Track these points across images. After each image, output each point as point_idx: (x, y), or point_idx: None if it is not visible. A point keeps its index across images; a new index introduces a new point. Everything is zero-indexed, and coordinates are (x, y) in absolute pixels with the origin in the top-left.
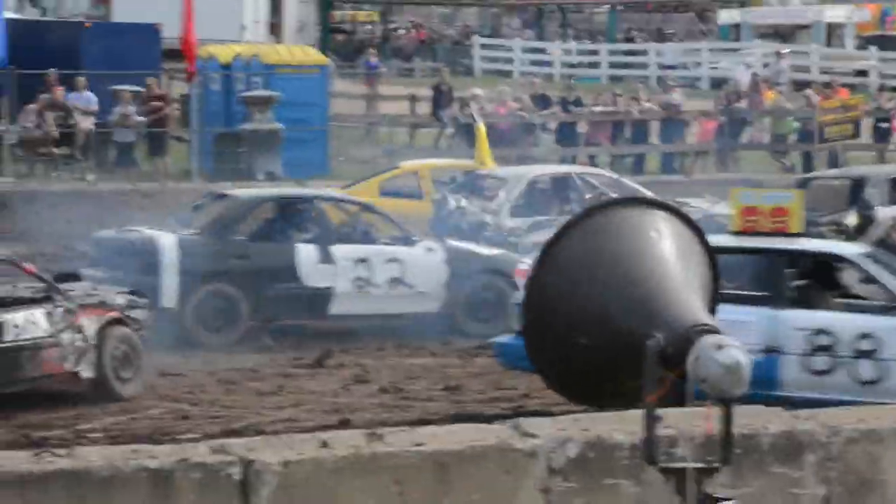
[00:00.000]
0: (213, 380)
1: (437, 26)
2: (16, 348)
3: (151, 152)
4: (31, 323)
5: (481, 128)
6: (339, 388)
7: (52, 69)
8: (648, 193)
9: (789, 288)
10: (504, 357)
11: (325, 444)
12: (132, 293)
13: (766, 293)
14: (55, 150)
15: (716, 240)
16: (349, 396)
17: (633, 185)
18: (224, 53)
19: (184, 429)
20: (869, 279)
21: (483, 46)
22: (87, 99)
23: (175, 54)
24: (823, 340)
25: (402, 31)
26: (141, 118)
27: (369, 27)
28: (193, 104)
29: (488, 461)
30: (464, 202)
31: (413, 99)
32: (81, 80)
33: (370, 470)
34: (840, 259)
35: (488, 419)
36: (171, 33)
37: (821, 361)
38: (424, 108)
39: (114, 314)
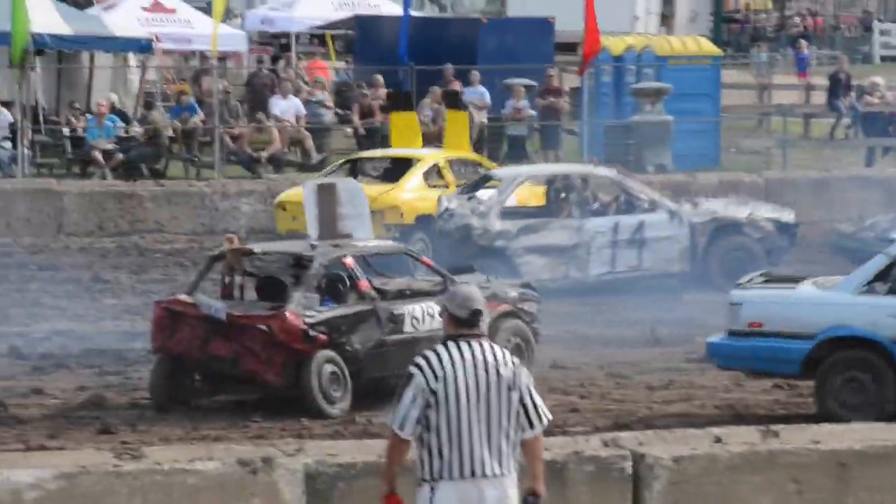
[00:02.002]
0: (602, 373)
1: (836, 13)
2: (414, 339)
3: (544, 145)
4: (429, 315)
5: (466, 115)
6: (731, 384)
7: (449, 64)
8: (655, 194)
9: None
10: (719, 357)
11: (718, 440)
12: (524, 286)
13: None
14: None
15: None
16: (742, 392)
17: (640, 185)
18: (616, 45)
19: (574, 422)
20: None
21: (883, 33)
22: (481, 93)
23: (567, 47)
24: None
25: (797, 19)
26: (532, 112)
27: (763, 15)
28: (584, 97)
29: (891, 461)
30: (454, 203)
31: (808, 88)
32: (475, 74)
33: (766, 467)
34: None
35: (889, 418)
36: (563, 27)
37: None
38: (820, 98)
39: (506, 307)
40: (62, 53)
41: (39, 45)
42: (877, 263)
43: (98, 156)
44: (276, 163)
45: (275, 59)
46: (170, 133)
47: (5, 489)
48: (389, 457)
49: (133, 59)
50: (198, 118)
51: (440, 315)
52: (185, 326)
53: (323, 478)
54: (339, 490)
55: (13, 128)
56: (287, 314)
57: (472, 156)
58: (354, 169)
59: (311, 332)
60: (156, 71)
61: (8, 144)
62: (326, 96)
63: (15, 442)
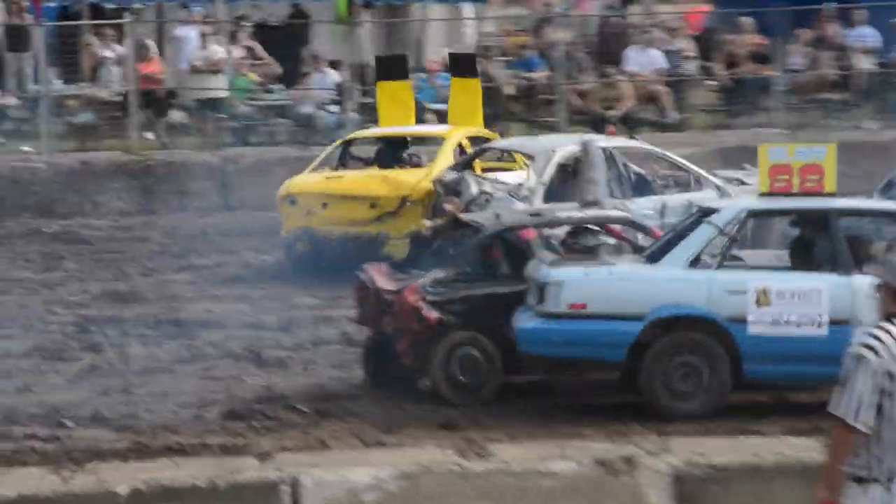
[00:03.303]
0: None
1: None
2: None
3: None
4: None
5: (477, 82)
6: None
7: (828, 2)
8: (697, 168)
9: (852, 252)
10: (531, 344)
11: None
12: None
13: (831, 259)
14: (832, 96)
15: (770, 203)
16: None
17: (677, 158)
18: None
19: None
20: None
21: None
22: (866, 36)
23: None
24: None
25: None
26: None
27: None
28: None
29: None
30: (487, 186)
31: None
32: (860, 13)
33: None
34: None
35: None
36: None
37: None
38: None
39: None
40: (391, 6)
41: None
42: (704, 234)
43: (431, 118)
44: (629, 122)
45: (625, 3)
46: (510, 91)
47: (342, 489)
48: (836, 453)
49: (468, 9)
50: (540, 73)
51: (876, 289)
52: (369, 300)
53: (692, 480)
54: (712, 494)
55: (340, 89)
56: (405, 290)
57: (486, 132)
58: (345, 151)
59: (424, 311)
60: (493, 22)
61: (334, 108)
62: (688, 44)
63: (349, 437)
